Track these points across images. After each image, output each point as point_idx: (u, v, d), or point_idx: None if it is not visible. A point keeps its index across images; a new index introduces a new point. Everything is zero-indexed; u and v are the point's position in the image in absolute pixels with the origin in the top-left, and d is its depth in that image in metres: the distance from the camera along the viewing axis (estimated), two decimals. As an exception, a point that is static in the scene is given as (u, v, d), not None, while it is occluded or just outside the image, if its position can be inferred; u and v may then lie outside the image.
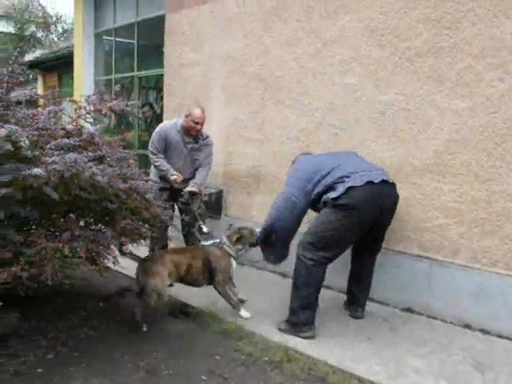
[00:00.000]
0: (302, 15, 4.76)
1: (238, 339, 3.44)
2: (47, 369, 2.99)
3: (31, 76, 15.96)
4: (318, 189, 3.54)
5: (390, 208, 3.67)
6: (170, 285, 3.81)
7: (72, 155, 2.68)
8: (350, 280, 4.03)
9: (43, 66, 12.91)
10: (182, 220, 4.87)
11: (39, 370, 2.98)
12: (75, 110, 3.34)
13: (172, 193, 4.73)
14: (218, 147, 5.31)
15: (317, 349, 3.31)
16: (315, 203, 3.62)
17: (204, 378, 2.96)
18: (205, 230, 4.47)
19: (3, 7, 20.59)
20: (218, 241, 3.94)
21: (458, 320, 3.78)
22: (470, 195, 3.71)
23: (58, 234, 2.97)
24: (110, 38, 8.53)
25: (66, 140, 2.86)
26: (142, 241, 3.72)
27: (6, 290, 2.86)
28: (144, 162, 5.98)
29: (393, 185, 3.63)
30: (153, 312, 3.79)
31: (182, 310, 3.93)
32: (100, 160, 3.14)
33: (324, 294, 4.35)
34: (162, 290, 3.55)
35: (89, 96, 3.33)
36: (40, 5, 22.29)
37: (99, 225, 3.43)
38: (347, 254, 4.36)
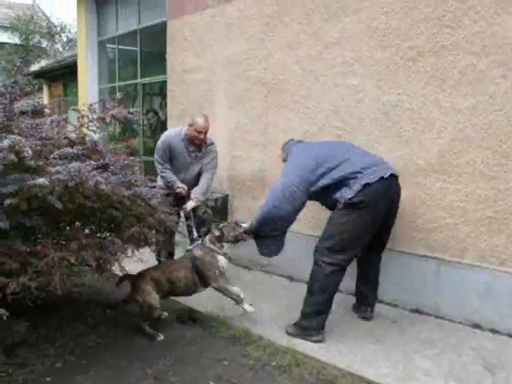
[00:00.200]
0: (303, 18, 4.76)
1: (246, 344, 3.43)
2: (55, 377, 3.00)
3: (37, 86, 16.08)
4: (324, 181, 3.47)
5: (397, 202, 3.67)
6: (163, 297, 3.76)
7: (75, 164, 2.69)
8: (357, 280, 4.00)
9: (48, 76, 13.00)
10: (188, 226, 4.87)
11: (47, 378, 2.98)
12: (78, 118, 3.36)
13: (177, 198, 4.73)
14: (223, 152, 5.32)
15: (325, 352, 3.29)
16: (319, 195, 3.56)
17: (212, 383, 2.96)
18: (195, 235, 4.45)
19: (8, 18, 20.78)
20: (199, 242, 3.92)
21: (466, 320, 3.75)
22: (476, 194, 3.69)
23: (64, 243, 2.98)
24: (113, 45, 8.57)
25: (69, 149, 2.87)
26: (148, 247, 3.74)
27: (16, 299, 2.86)
28: (149, 169, 6.00)
29: (397, 177, 3.61)
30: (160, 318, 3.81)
31: (190, 316, 3.92)
32: (104, 168, 3.14)
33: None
34: (151, 303, 3.55)
35: (91, 104, 3.34)
36: (44, 15, 22.49)
37: (105, 232, 3.44)
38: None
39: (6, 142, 2.59)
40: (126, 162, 3.32)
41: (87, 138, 3.48)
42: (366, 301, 3.94)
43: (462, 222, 3.77)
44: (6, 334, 3.29)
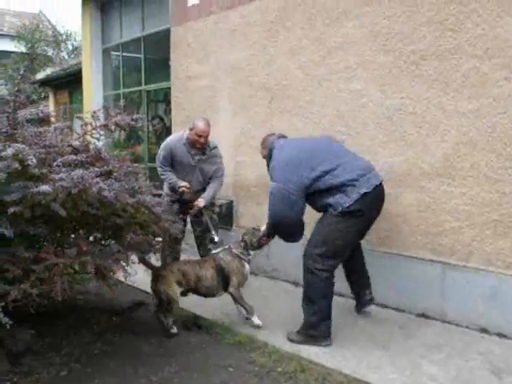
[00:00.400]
0: (306, 23, 4.76)
1: (252, 350, 3.42)
2: (61, 386, 3.00)
3: (43, 94, 16.18)
4: (319, 185, 3.43)
5: (382, 205, 3.68)
6: (184, 294, 3.80)
7: (79, 171, 2.70)
8: (348, 277, 4.03)
9: (54, 84, 13.07)
10: (194, 231, 4.87)
11: (53, 386, 2.99)
12: (81, 126, 3.37)
13: (183, 205, 4.74)
14: (228, 158, 5.32)
15: (331, 358, 3.27)
16: (311, 199, 3.53)
17: (217, 390, 2.96)
18: (216, 239, 4.48)
19: (15, 27, 20.93)
20: (226, 247, 3.96)
21: (473, 324, 3.73)
22: (481, 197, 3.67)
23: (67, 249, 2.98)
24: (117, 53, 8.62)
25: (72, 156, 2.88)
26: (153, 254, 3.75)
27: (19, 307, 2.86)
28: (154, 175, 6.00)
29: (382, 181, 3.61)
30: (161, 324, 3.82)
31: (195, 323, 3.91)
32: (107, 175, 3.15)
33: (337, 301, 4.32)
34: (172, 296, 3.62)
35: (94, 112, 3.36)
36: (50, 23, 22.64)
37: (109, 240, 3.44)
38: (373, 262, 4.35)
39: (9, 151, 2.61)
40: (129, 168, 3.33)
41: (91, 146, 3.49)
42: (362, 290, 3.98)
43: (467, 226, 3.75)
44: (10, 341, 3.29)
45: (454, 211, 3.82)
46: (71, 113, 11.37)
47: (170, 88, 6.66)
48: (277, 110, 5.11)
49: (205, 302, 4.12)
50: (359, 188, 3.36)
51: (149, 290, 4.55)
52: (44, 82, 13.46)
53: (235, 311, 4.02)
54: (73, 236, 3.27)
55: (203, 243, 4.76)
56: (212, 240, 4.53)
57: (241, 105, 5.50)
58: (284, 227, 3.61)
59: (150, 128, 8.17)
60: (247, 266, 3.88)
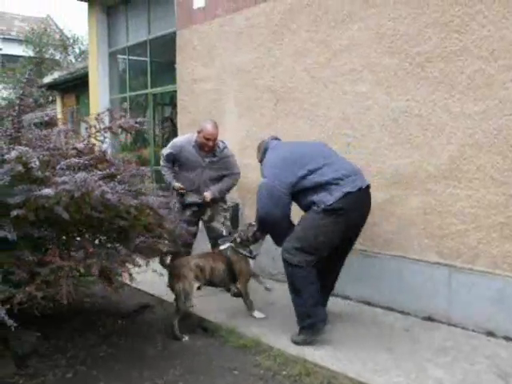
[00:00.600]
0: (311, 25, 4.76)
1: (257, 353, 3.41)
2: (66, 388, 3.01)
3: (50, 98, 16.28)
4: (305, 183, 3.48)
5: (368, 212, 3.70)
6: (198, 288, 3.93)
7: (81, 174, 2.71)
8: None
9: (61, 87, 13.16)
10: (209, 239, 4.86)
11: (58, 389, 3.00)
12: (86, 129, 3.39)
13: (196, 210, 4.74)
14: (233, 160, 5.32)
15: (336, 361, 3.25)
16: (297, 197, 3.57)
17: (222, 393, 2.95)
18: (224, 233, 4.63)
19: (23, 32, 21.10)
20: (231, 245, 4.09)
21: (479, 327, 3.70)
22: (487, 200, 3.65)
23: (72, 252, 2.99)
24: (123, 56, 8.66)
25: (76, 159, 2.89)
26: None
27: (24, 309, 2.88)
28: (160, 178, 6.01)
29: (369, 188, 3.64)
30: (171, 327, 3.82)
31: (200, 325, 3.92)
32: (111, 177, 3.16)
33: (342, 303, 4.32)
34: (189, 291, 3.73)
35: (98, 114, 3.37)
36: (58, 28, 22.80)
37: (114, 243, 3.44)
38: (370, 263, 4.34)
39: (13, 154, 2.62)
40: (133, 171, 3.33)
41: (96, 148, 3.50)
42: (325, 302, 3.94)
43: (474, 229, 3.72)
44: (16, 344, 3.30)
45: (460, 214, 3.79)
46: (78, 116, 11.44)
47: (176, 91, 6.67)
48: (282, 112, 5.11)
49: (209, 304, 4.14)
50: (343, 187, 3.41)
51: (154, 292, 4.60)
52: (51, 86, 13.56)
53: (240, 314, 4.02)
54: (78, 239, 3.28)
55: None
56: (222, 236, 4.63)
57: (246, 107, 5.51)
58: (270, 224, 3.66)
59: (157, 131, 8.20)
60: (252, 262, 4.05)
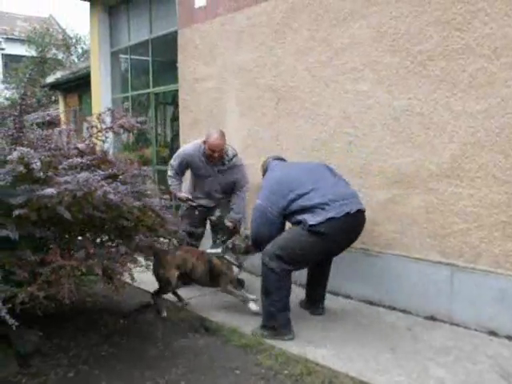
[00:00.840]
0: (312, 24, 4.75)
1: (258, 353, 3.40)
2: (67, 388, 3.01)
3: (53, 97, 16.31)
4: (293, 207, 3.60)
5: (358, 234, 3.78)
6: (185, 283, 4.27)
7: (84, 174, 2.71)
8: (308, 283, 4.16)
9: (64, 87, 13.17)
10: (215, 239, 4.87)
11: (59, 388, 3.00)
12: (87, 128, 3.39)
13: (202, 211, 4.74)
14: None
15: (337, 361, 3.25)
16: (287, 217, 3.70)
17: (224, 393, 2.95)
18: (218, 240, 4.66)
19: (25, 32, 21.14)
20: (219, 251, 4.18)
21: (482, 327, 3.69)
22: (489, 198, 3.64)
23: (73, 252, 2.99)
24: (125, 56, 8.66)
25: (78, 159, 2.89)
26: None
27: (27, 309, 2.88)
28: (162, 178, 6.03)
29: (364, 212, 3.69)
30: (173, 327, 3.82)
31: (202, 325, 3.91)
32: (113, 178, 3.16)
33: (344, 303, 4.32)
34: (170, 279, 4.04)
35: (100, 114, 3.37)
36: (60, 27, 22.82)
37: (115, 242, 3.45)
38: (372, 262, 4.33)
39: (15, 154, 2.62)
40: (135, 171, 3.33)
41: (98, 148, 3.50)
42: (317, 301, 4.12)
43: (476, 228, 3.71)
44: (19, 343, 3.30)
45: (462, 213, 3.78)
46: (80, 116, 11.45)
47: (177, 90, 6.67)
48: (284, 111, 5.10)
49: (211, 304, 4.13)
50: (328, 212, 3.47)
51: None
52: (54, 86, 13.59)
53: (241, 313, 4.03)
54: (79, 238, 3.28)
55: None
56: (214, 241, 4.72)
57: (248, 106, 5.50)
58: (263, 243, 3.75)
59: (160, 131, 8.19)
60: (236, 269, 4.15)
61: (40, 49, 19.35)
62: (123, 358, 3.39)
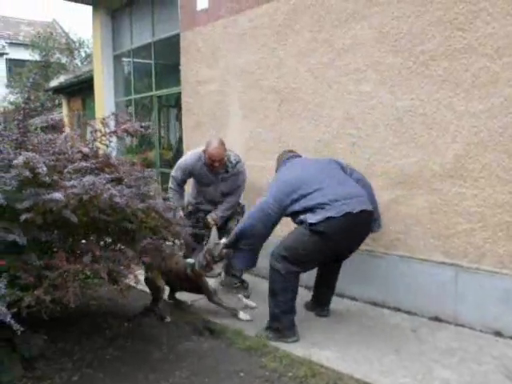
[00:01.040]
0: (314, 25, 4.75)
1: (262, 355, 3.39)
2: (72, 391, 3.01)
3: (57, 101, 16.37)
4: (295, 207, 3.61)
5: (364, 235, 3.78)
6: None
7: (90, 178, 2.72)
8: (316, 284, 4.14)
9: (67, 91, 13.22)
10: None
11: (64, 392, 3.00)
12: (91, 132, 3.39)
13: (207, 214, 4.75)
14: (238, 162, 5.32)
15: (342, 362, 3.24)
16: (289, 216, 3.72)
17: (228, 395, 2.94)
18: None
19: (29, 36, 21.23)
20: (192, 262, 4.11)
21: (487, 328, 3.67)
22: (493, 198, 3.62)
23: (78, 256, 3.00)
24: (128, 59, 8.69)
25: (83, 163, 2.90)
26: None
27: (32, 313, 2.88)
28: (166, 180, 6.03)
29: (370, 213, 3.64)
30: (177, 330, 3.82)
31: (207, 327, 3.91)
32: (118, 181, 3.16)
33: (349, 304, 4.31)
34: (158, 286, 4.08)
35: (103, 118, 3.38)
36: (64, 31, 22.91)
37: (119, 245, 3.45)
38: (376, 263, 4.31)
39: (20, 159, 2.63)
40: (139, 173, 3.34)
41: (100, 152, 3.51)
42: (323, 303, 4.11)
43: (480, 228, 3.70)
44: (24, 347, 3.31)
45: (466, 213, 3.77)
46: (84, 119, 11.48)
47: (180, 93, 6.68)
48: (286, 113, 5.10)
49: (215, 306, 4.13)
50: (327, 211, 3.45)
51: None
52: (57, 90, 13.65)
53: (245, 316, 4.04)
54: (84, 241, 3.29)
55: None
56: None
57: (250, 108, 5.50)
58: (248, 237, 3.74)
59: (163, 133, 8.21)
60: (211, 281, 4.09)
61: (44, 53, 19.42)
62: (127, 361, 3.39)
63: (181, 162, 4.77)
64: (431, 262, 3.99)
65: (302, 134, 4.94)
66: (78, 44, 20.60)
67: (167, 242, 3.78)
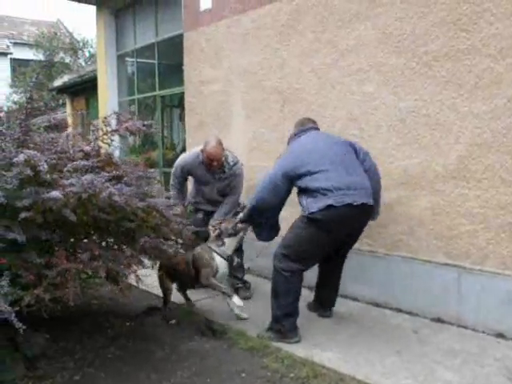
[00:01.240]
0: (318, 26, 4.74)
1: (264, 356, 3.39)
2: (74, 390, 3.01)
3: (61, 101, 16.40)
4: (300, 183, 3.56)
5: (362, 228, 3.75)
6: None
7: (89, 176, 2.72)
8: (318, 284, 4.11)
9: (71, 91, 13.23)
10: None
11: (66, 391, 3.00)
12: (92, 131, 3.40)
13: (207, 214, 4.74)
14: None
15: (344, 363, 3.24)
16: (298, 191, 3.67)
17: (229, 396, 2.94)
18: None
19: (33, 36, 21.27)
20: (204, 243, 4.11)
21: (489, 329, 3.66)
22: (496, 200, 3.61)
23: (79, 255, 3.00)
24: (131, 59, 8.69)
25: (83, 162, 2.90)
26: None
27: (33, 312, 2.89)
28: (169, 180, 6.03)
29: (371, 206, 3.59)
30: (180, 330, 3.82)
31: (209, 327, 3.90)
32: (118, 179, 3.16)
33: (351, 305, 4.31)
34: (165, 287, 4.14)
35: (105, 117, 3.38)
36: (68, 31, 22.95)
37: (121, 244, 3.45)
38: (378, 264, 4.30)
39: (21, 157, 2.64)
40: (140, 173, 3.34)
41: (103, 151, 3.51)
42: (326, 304, 4.08)
43: (483, 229, 3.69)
44: (26, 346, 3.31)
45: (469, 214, 3.76)
46: (88, 119, 11.50)
47: (184, 93, 6.68)
48: (289, 113, 5.09)
49: (218, 306, 4.13)
50: (328, 199, 3.40)
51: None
52: (61, 89, 13.66)
53: (248, 316, 4.02)
54: (85, 241, 3.29)
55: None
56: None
57: (253, 109, 5.50)
58: (260, 212, 3.74)
59: (166, 133, 8.22)
60: (218, 257, 3.97)
61: (48, 53, 19.46)
62: (129, 360, 3.39)
63: (179, 160, 4.78)
64: (434, 263, 3.98)
65: (304, 135, 4.92)
66: (81, 44, 20.60)
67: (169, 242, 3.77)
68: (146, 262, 3.49)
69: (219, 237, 4.00)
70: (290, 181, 3.59)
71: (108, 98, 8.71)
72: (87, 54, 20.46)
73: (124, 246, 3.27)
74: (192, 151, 4.80)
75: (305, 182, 3.52)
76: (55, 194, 2.59)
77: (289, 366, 3.22)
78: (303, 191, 3.55)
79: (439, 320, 3.93)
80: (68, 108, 13.65)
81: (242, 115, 5.65)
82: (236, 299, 3.90)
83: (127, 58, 8.85)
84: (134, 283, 3.34)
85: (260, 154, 5.42)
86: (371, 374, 3.09)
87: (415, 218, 4.08)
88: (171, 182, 4.81)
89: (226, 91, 5.85)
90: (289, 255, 3.55)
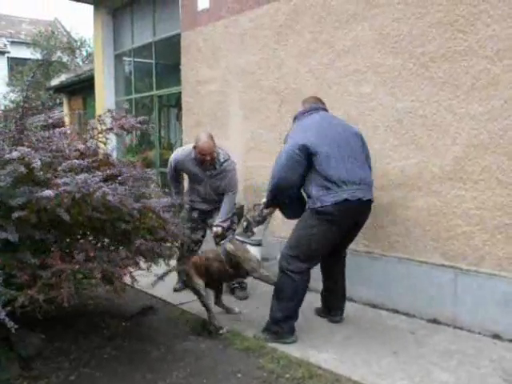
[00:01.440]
0: (315, 26, 4.74)
1: (260, 356, 3.38)
2: (69, 390, 3.00)
3: (58, 100, 16.36)
4: (316, 162, 3.43)
5: (363, 223, 3.75)
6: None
7: (83, 176, 2.70)
8: (325, 289, 4.04)
9: (68, 90, 13.20)
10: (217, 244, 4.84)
11: (61, 391, 2.99)
12: (87, 130, 3.39)
13: (203, 213, 4.74)
14: (238, 163, 5.27)
15: (340, 364, 3.23)
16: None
17: (225, 396, 2.93)
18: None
19: (31, 35, 21.24)
20: (230, 236, 4.04)
21: (485, 330, 3.66)
22: (492, 201, 3.61)
23: (74, 255, 2.99)
24: (129, 58, 8.68)
25: (77, 161, 2.88)
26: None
27: (28, 312, 2.88)
28: (166, 180, 6.02)
29: (371, 201, 3.61)
30: (175, 330, 3.80)
31: (205, 328, 3.90)
32: (112, 179, 3.15)
33: (347, 306, 4.28)
34: (196, 287, 3.88)
35: (100, 116, 3.37)
36: (65, 30, 22.91)
37: (117, 245, 3.44)
38: (375, 265, 4.30)
39: (14, 154, 2.63)
40: (137, 174, 3.32)
41: (101, 151, 3.50)
42: (334, 307, 4.00)
43: (479, 230, 3.69)
44: (21, 346, 3.30)
45: (465, 215, 3.76)
46: (84, 118, 11.48)
47: (181, 93, 6.68)
48: (287, 113, 5.08)
49: (214, 307, 4.11)
50: (343, 193, 3.38)
51: (158, 294, 4.60)
52: (58, 89, 13.63)
53: (244, 316, 4.02)
54: (81, 241, 3.28)
55: None
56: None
57: (251, 109, 5.50)
58: (284, 189, 3.59)
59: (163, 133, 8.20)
60: (252, 248, 3.82)
61: (45, 52, 19.43)
62: (125, 360, 3.38)
63: (171, 157, 4.80)
64: (430, 264, 3.98)
65: (301, 135, 4.92)
66: (79, 43, 20.59)
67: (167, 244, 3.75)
68: (142, 264, 3.48)
69: (247, 228, 3.85)
70: (307, 156, 3.43)
71: (105, 97, 8.70)
72: (84, 54, 20.45)
73: (120, 248, 3.25)
74: (183, 148, 4.84)
75: (317, 163, 3.41)
76: (47, 192, 2.57)
77: (284, 366, 3.22)
78: (312, 175, 3.46)
79: (435, 321, 3.93)
80: (65, 107, 13.61)
81: (240, 115, 5.64)
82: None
83: (124, 58, 8.83)
84: (129, 284, 3.34)
85: (258, 154, 5.42)
86: (367, 374, 3.09)
87: (412, 219, 4.08)
88: (168, 177, 4.87)
89: (224, 91, 5.84)
90: (298, 256, 3.50)
